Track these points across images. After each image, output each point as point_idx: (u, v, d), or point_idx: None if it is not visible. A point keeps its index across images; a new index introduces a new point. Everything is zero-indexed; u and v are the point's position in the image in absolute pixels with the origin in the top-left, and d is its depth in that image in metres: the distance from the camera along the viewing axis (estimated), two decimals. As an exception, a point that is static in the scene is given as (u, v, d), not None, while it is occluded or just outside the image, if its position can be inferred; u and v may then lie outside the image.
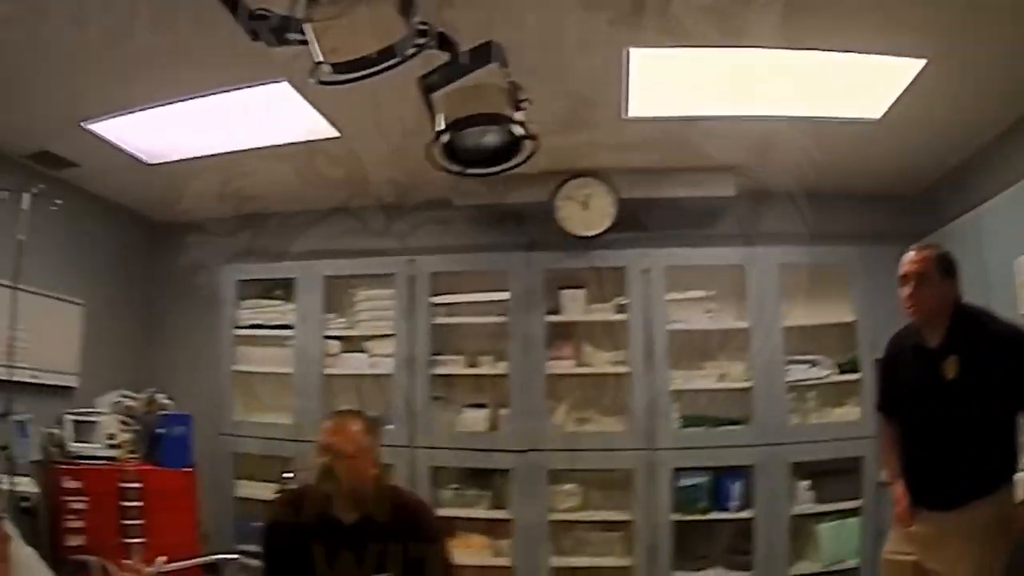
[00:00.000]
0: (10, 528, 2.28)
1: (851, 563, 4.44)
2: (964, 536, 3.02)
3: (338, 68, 2.33)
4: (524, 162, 2.96)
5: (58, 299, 5.29)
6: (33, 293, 4.70)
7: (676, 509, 4.82)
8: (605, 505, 5.11)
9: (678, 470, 4.85)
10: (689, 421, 4.98)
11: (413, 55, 2.37)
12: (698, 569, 4.92)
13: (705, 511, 4.89)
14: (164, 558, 2.69)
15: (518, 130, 2.80)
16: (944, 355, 3.04)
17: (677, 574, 4.82)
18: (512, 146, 2.91)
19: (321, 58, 2.32)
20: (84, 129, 4.54)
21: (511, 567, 4.98)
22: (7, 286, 4.54)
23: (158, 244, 6.27)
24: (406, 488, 3.84)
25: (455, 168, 3.09)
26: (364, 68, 2.32)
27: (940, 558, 3.09)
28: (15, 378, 4.57)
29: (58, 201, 4.67)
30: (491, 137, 2.95)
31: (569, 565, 4.99)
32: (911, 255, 3.16)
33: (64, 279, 5.34)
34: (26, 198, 4.51)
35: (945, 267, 3.12)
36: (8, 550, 2.29)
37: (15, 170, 4.89)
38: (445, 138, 2.84)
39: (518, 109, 2.78)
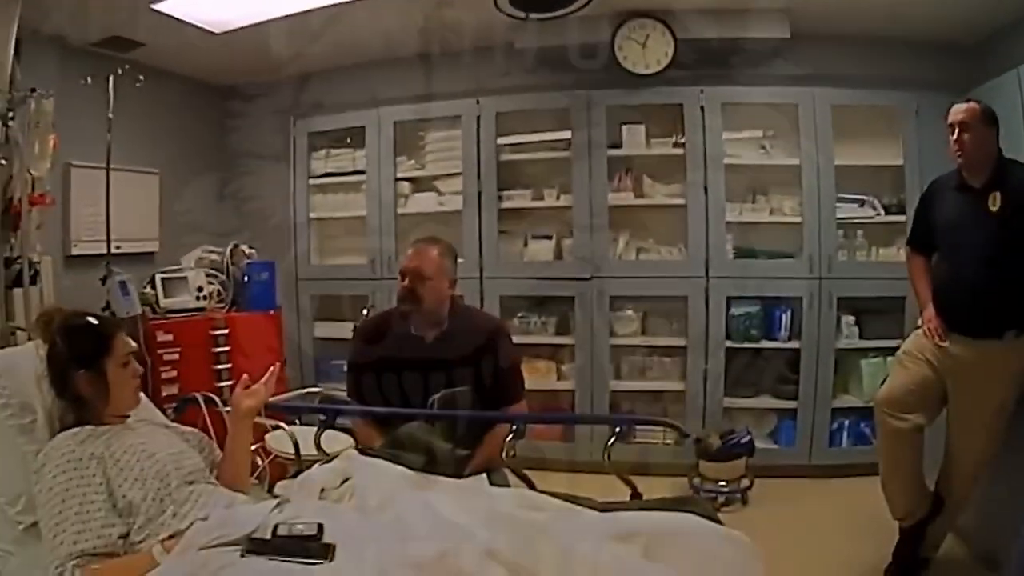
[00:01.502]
0: None
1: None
2: (993, 367, 4.24)
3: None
4: (584, 7, 4.08)
5: (135, 171, 6.98)
6: (114, 169, 6.17)
7: (729, 337, 6.48)
8: (662, 331, 6.85)
9: (731, 299, 6.47)
10: (742, 252, 6.59)
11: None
12: (748, 396, 6.66)
13: (756, 339, 6.54)
14: (274, 367, 3.42)
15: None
16: (988, 191, 4.19)
17: (728, 400, 6.52)
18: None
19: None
20: (154, 10, 5.87)
21: (573, 390, 6.79)
22: (99, 167, 6.13)
23: (228, 108, 8.09)
24: (479, 308, 5.28)
25: (520, 13, 4.25)
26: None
27: (965, 380, 4.33)
28: (103, 251, 6.12)
29: (141, 78, 6.07)
30: (553, -17, 3.78)
31: (628, 389, 6.85)
32: (959, 106, 4.27)
33: (139, 152, 7.02)
34: (111, 80, 5.89)
35: (989, 118, 4.23)
36: None
37: (85, 57, 6.42)
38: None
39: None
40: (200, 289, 6.39)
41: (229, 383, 5.91)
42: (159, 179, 7.39)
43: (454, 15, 6.25)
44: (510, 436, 3.39)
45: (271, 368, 3.38)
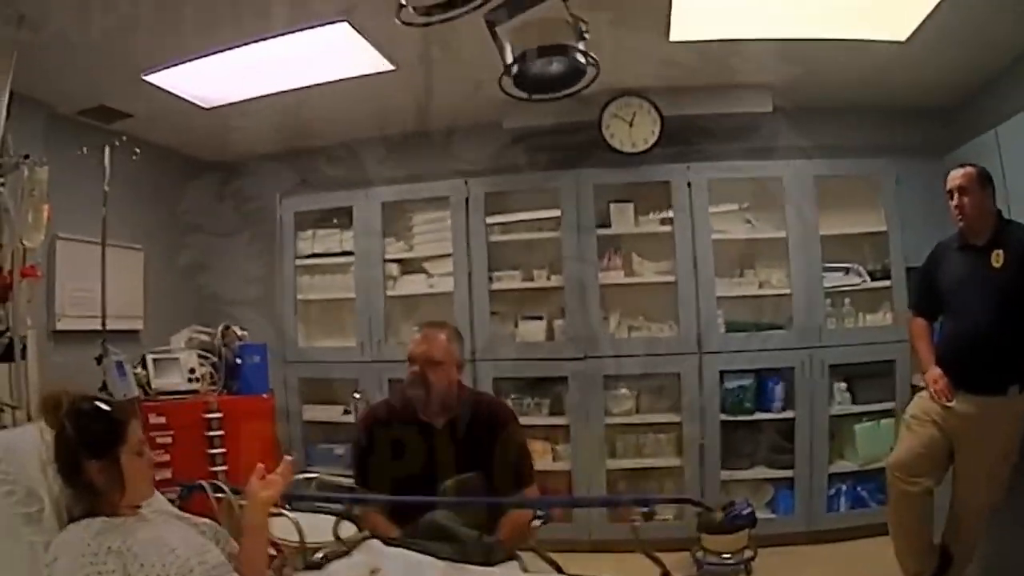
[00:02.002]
0: None
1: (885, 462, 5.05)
2: (997, 422, 4.34)
3: (425, 11, 3.23)
4: (587, 87, 3.98)
5: (120, 247, 6.81)
6: (99, 243, 6.06)
7: (723, 410, 6.45)
8: (657, 408, 6.77)
9: (724, 373, 6.45)
10: (733, 326, 6.56)
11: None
12: (744, 468, 6.58)
13: (750, 412, 6.52)
14: (289, 458, 3.23)
15: (582, 59, 3.74)
16: (990, 250, 4.38)
17: (725, 472, 6.45)
18: (575, 72, 3.85)
19: (405, 1, 3.21)
20: (143, 81, 5.86)
21: (570, 471, 6.64)
22: (84, 241, 6.18)
23: (214, 184, 7.98)
24: (485, 392, 5.22)
25: (523, 94, 4.09)
26: (453, 8, 3.22)
27: (971, 437, 4.43)
28: (89, 327, 6.08)
29: (137, 151, 6.05)
30: (556, 66, 3.81)
31: (624, 467, 6.70)
32: (956, 172, 4.51)
33: (123, 226, 6.74)
34: (108, 152, 5.83)
35: (984, 180, 4.46)
36: None
37: (71, 126, 6.39)
38: (515, 69, 3.80)
39: (581, 39, 3.71)
40: (192, 371, 6.28)
41: (223, 468, 5.90)
42: (143, 255, 7.33)
43: (442, 96, 6.33)
44: (536, 520, 3.31)
45: (287, 458, 3.21)
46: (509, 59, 3.83)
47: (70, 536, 2.57)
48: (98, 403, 2.85)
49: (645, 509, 3.34)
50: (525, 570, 3.19)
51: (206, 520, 3.13)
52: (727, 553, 5.78)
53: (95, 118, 6.52)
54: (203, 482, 3.61)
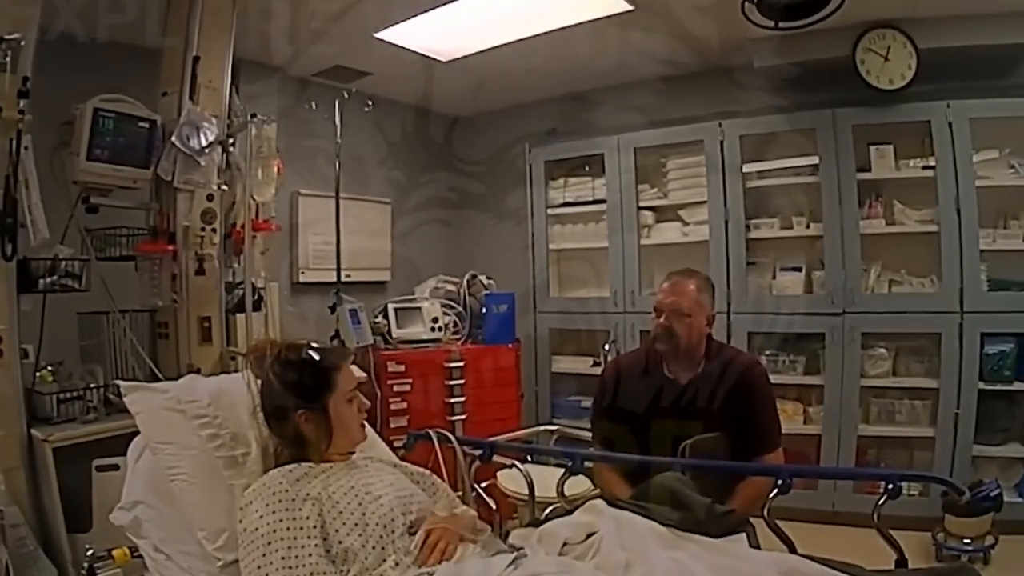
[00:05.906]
0: None
1: None
2: None
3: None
4: (835, 12, 3.77)
5: (367, 200, 7.11)
6: (344, 198, 6.23)
7: (980, 378, 5.74)
8: (913, 371, 6.19)
9: (985, 336, 5.73)
10: (996, 284, 5.83)
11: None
12: (997, 444, 5.88)
13: (1010, 380, 5.75)
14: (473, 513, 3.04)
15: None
16: None
17: (977, 447, 5.79)
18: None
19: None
20: (376, 39, 5.91)
21: (819, 435, 6.24)
22: (327, 196, 6.20)
23: (458, 136, 8.12)
24: (736, 347, 4.77)
25: (768, 22, 3.90)
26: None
27: None
28: (331, 279, 6.13)
29: (369, 103, 6.13)
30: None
31: (875, 434, 6.23)
32: None
33: (370, 180, 7.10)
34: (337, 104, 5.86)
35: None
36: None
37: (308, 87, 6.57)
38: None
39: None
40: (435, 320, 6.41)
41: (462, 417, 6.04)
42: (391, 208, 7.46)
43: (692, 36, 6.07)
44: (774, 491, 3.01)
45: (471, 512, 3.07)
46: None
47: (269, 480, 2.58)
48: (306, 352, 2.85)
49: (890, 486, 2.96)
50: (756, 544, 2.92)
51: (422, 470, 3.12)
52: (968, 538, 5.38)
53: (333, 79, 6.60)
54: (430, 431, 3.57)
